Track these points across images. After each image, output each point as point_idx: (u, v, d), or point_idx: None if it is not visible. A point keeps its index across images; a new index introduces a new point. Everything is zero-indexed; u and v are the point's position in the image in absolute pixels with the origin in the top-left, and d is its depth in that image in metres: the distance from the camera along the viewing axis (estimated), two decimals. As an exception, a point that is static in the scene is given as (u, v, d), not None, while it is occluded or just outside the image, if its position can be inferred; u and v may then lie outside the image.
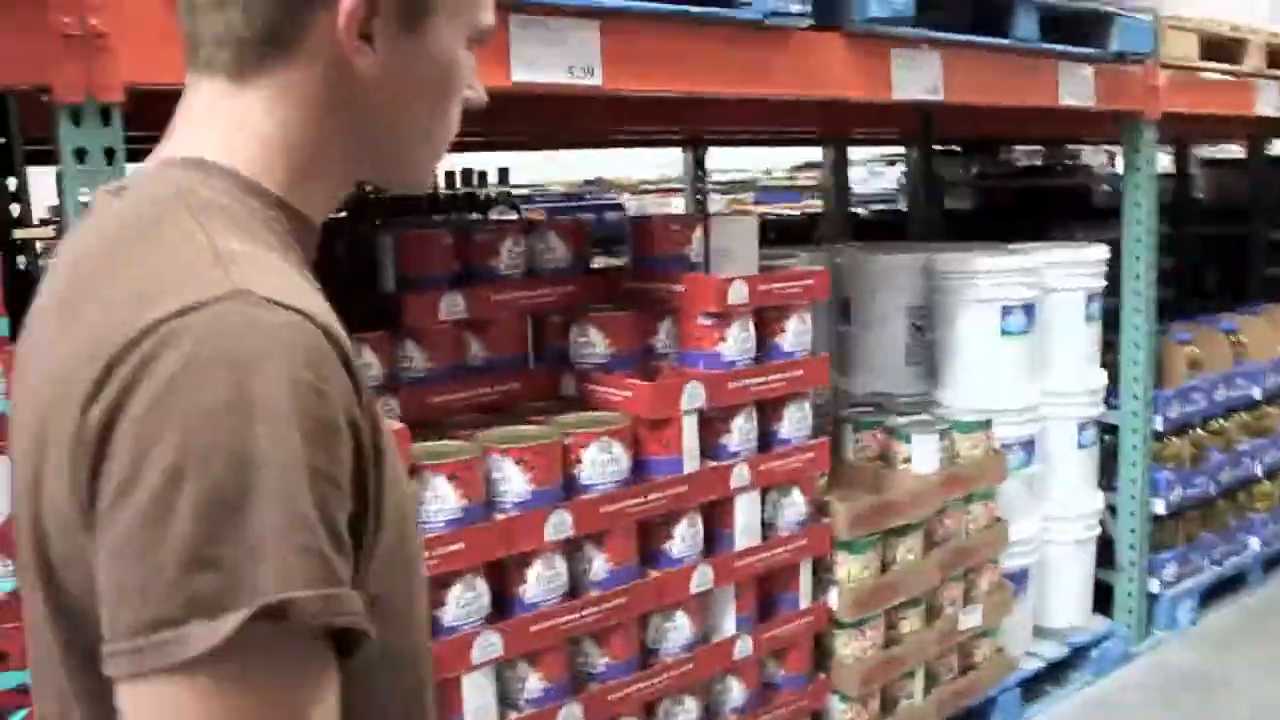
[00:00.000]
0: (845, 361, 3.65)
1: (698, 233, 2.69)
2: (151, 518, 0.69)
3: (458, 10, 0.92)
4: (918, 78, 2.82)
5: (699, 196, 5.06)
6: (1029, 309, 3.38)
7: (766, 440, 2.69)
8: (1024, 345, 3.39)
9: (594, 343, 2.61)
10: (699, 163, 5.03)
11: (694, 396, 2.50)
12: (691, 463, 2.52)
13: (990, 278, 3.34)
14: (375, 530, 0.80)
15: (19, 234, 3.25)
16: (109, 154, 1.63)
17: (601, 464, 2.38)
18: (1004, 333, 3.36)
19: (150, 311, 0.73)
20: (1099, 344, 3.68)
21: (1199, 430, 4.03)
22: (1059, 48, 3.14)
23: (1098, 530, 3.71)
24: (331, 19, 0.85)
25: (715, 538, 2.63)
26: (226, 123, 0.87)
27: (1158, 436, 3.87)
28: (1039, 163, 6.67)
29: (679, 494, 2.48)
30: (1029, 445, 3.42)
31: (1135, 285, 3.70)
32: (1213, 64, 3.80)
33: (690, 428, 2.51)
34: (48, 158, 1.85)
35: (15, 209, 3.25)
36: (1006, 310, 3.35)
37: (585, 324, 2.62)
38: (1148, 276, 3.69)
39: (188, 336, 0.72)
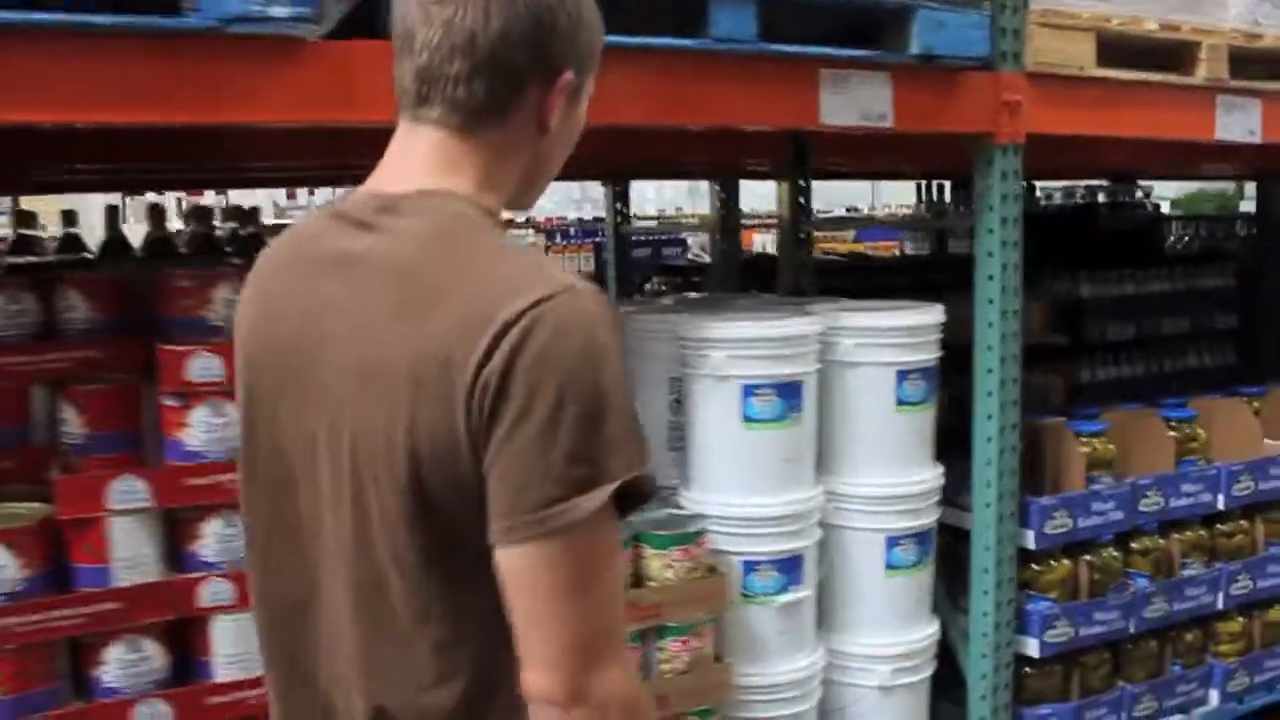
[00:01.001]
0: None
1: (223, 291, 2.20)
2: (544, 433, 1.06)
3: (589, 90, 1.32)
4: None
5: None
6: (788, 389, 2.63)
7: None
8: (781, 436, 2.65)
9: (68, 420, 2.17)
10: (620, 198, 4.43)
11: (128, 493, 2.02)
12: (130, 573, 2.04)
13: (727, 349, 2.63)
14: None
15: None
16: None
17: (-15, 571, 1.96)
18: (747, 419, 2.64)
19: (519, 302, 1.08)
20: (928, 434, 2.85)
21: (1109, 551, 3.07)
22: (791, 49, 2.40)
23: (925, 672, 2.88)
24: (536, 99, 1.23)
25: (190, 666, 2.14)
26: (458, 166, 1.22)
27: (1030, 556, 2.98)
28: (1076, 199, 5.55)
29: (103, 611, 2.01)
30: (790, 564, 2.67)
31: (988, 357, 2.84)
32: (1129, 73, 2.87)
33: (126, 530, 2.04)
34: None
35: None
36: (749, 390, 2.62)
37: (60, 398, 2.19)
38: (1005, 346, 2.83)
39: (551, 316, 1.08)
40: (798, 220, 3.53)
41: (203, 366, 2.06)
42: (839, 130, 2.56)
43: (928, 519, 2.84)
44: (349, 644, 1.22)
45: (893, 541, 2.79)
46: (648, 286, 4.46)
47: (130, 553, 2.05)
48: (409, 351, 1.11)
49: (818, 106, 2.50)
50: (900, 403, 2.77)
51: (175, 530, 2.11)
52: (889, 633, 2.83)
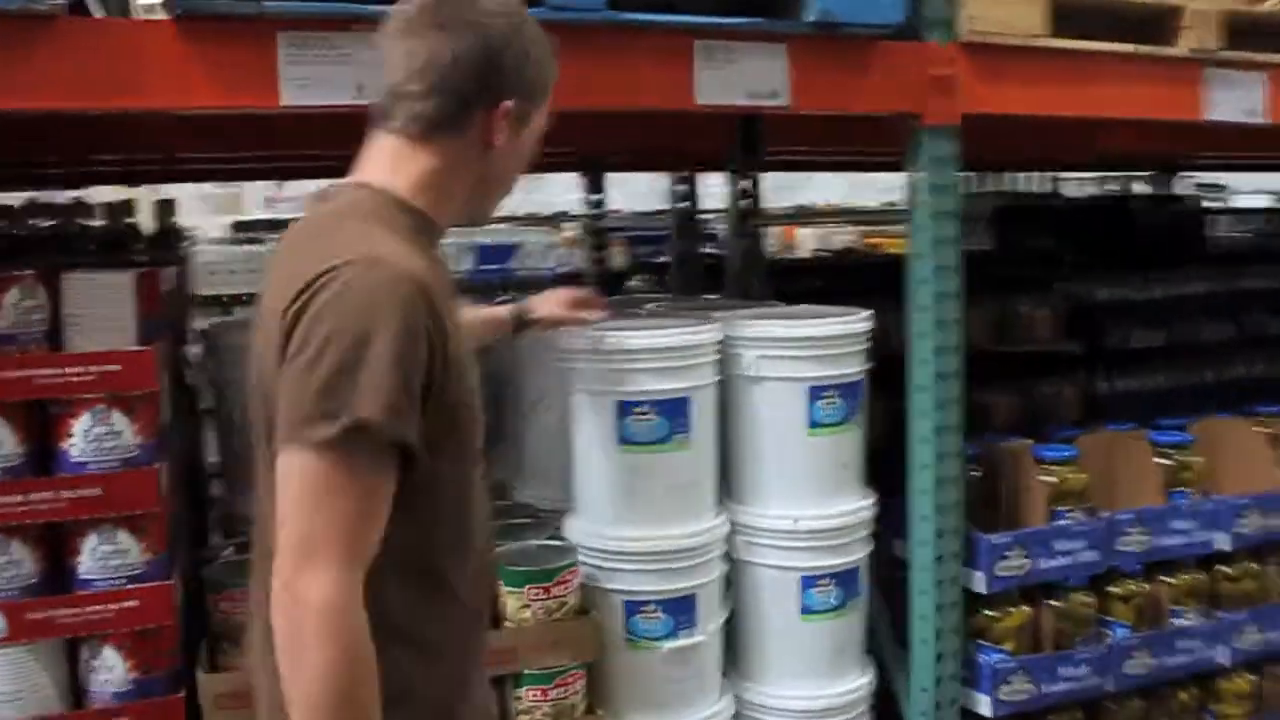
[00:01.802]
0: (522, 461, 2.76)
1: (13, 296, 2.00)
2: (308, 367, 1.29)
3: (540, 119, 1.57)
4: (327, 74, 1.96)
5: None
6: (670, 407, 2.33)
7: (52, 579, 1.97)
8: (665, 460, 2.34)
9: None
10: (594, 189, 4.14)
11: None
12: None
13: (602, 361, 2.34)
14: (439, 407, 1.36)
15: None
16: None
17: None
18: (624, 440, 2.34)
19: (325, 265, 1.33)
20: (851, 459, 2.50)
21: (1079, 596, 2.67)
22: (646, 18, 2.10)
23: (855, 727, 2.53)
24: (488, 118, 1.48)
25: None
26: (402, 167, 1.48)
27: (982, 601, 2.59)
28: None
29: None
30: (679, 605, 2.36)
31: (922, 372, 2.48)
32: (1089, 44, 2.48)
33: None
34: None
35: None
36: (625, 408, 2.33)
37: None
38: (942, 361, 2.46)
39: (342, 277, 1.31)
40: (745, 214, 3.20)
41: (-48, 380, 1.87)
42: (717, 110, 2.25)
43: (851, 556, 2.49)
44: None
45: (808, 581, 2.45)
46: (627, 284, 4.18)
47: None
48: (269, 299, 1.41)
49: (691, 84, 2.20)
50: (814, 424, 2.43)
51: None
52: (805, 684, 2.48)
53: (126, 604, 1.95)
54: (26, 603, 1.92)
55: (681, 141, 3.44)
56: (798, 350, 2.41)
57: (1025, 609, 2.62)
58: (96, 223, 4.15)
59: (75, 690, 2.00)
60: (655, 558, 2.34)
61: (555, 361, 2.45)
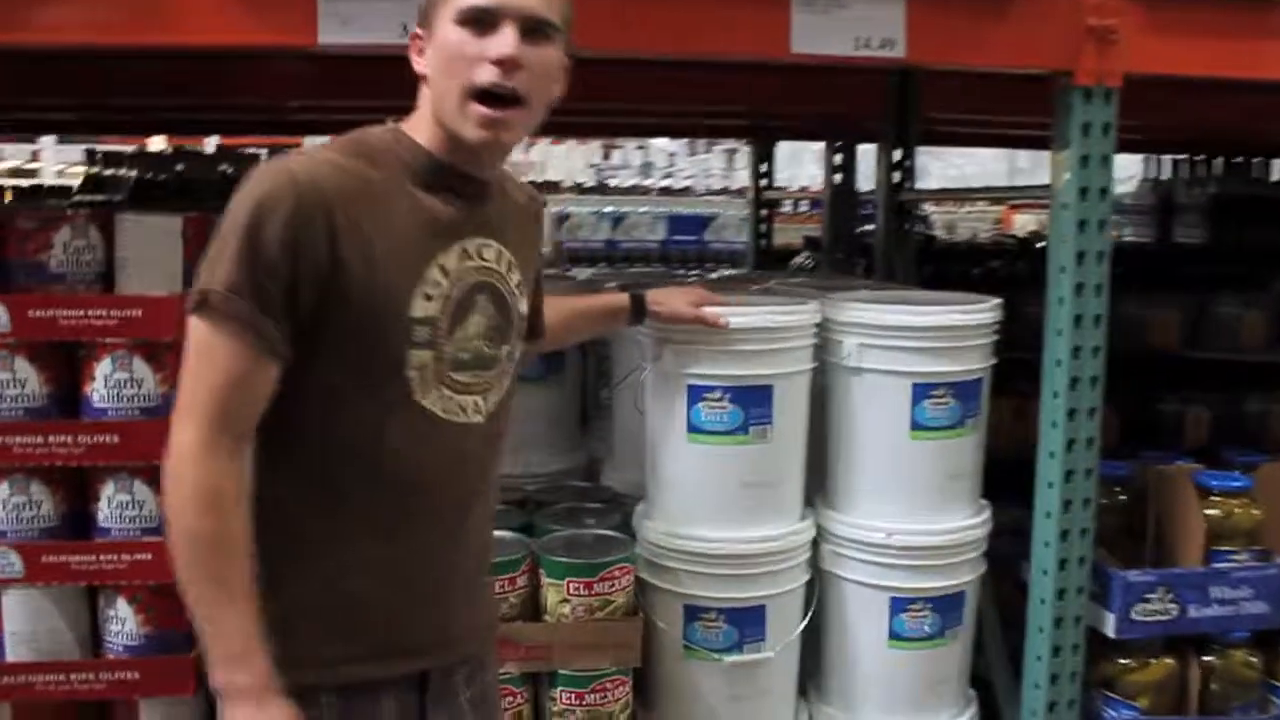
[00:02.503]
0: (612, 441, 2.57)
1: (64, 235, 1.97)
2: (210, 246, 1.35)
3: (445, 4, 1.39)
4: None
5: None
6: (747, 396, 2.07)
7: (73, 523, 1.94)
8: (738, 453, 2.09)
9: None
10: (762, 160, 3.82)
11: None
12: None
13: (677, 340, 2.10)
14: (324, 306, 1.33)
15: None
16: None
17: None
18: (693, 429, 2.10)
19: None
20: (963, 469, 2.17)
21: (1241, 654, 2.23)
22: None
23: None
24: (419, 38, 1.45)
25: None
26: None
27: (1115, 647, 2.21)
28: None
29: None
30: (745, 616, 2.12)
31: (1055, 376, 2.11)
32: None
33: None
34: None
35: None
36: (696, 393, 2.09)
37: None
38: (1080, 365, 2.09)
39: (248, 177, 1.35)
40: (895, 189, 2.85)
41: (-17, 316, 1.85)
42: (816, 61, 1.96)
43: (954, 579, 2.17)
44: None
45: (899, 604, 2.15)
46: (793, 261, 3.89)
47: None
48: None
49: (788, 29, 1.93)
50: (918, 426, 2.12)
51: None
52: (890, 717, 2.19)
53: (139, 556, 1.89)
54: (42, 545, 1.89)
55: (836, 108, 3.13)
56: (903, 340, 2.10)
57: (1168, 661, 2.22)
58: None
59: (95, 640, 1.97)
60: (721, 561, 2.10)
61: (636, 336, 2.23)
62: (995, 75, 2.14)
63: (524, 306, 1.55)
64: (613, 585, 2.06)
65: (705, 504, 2.12)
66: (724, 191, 6.76)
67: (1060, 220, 2.09)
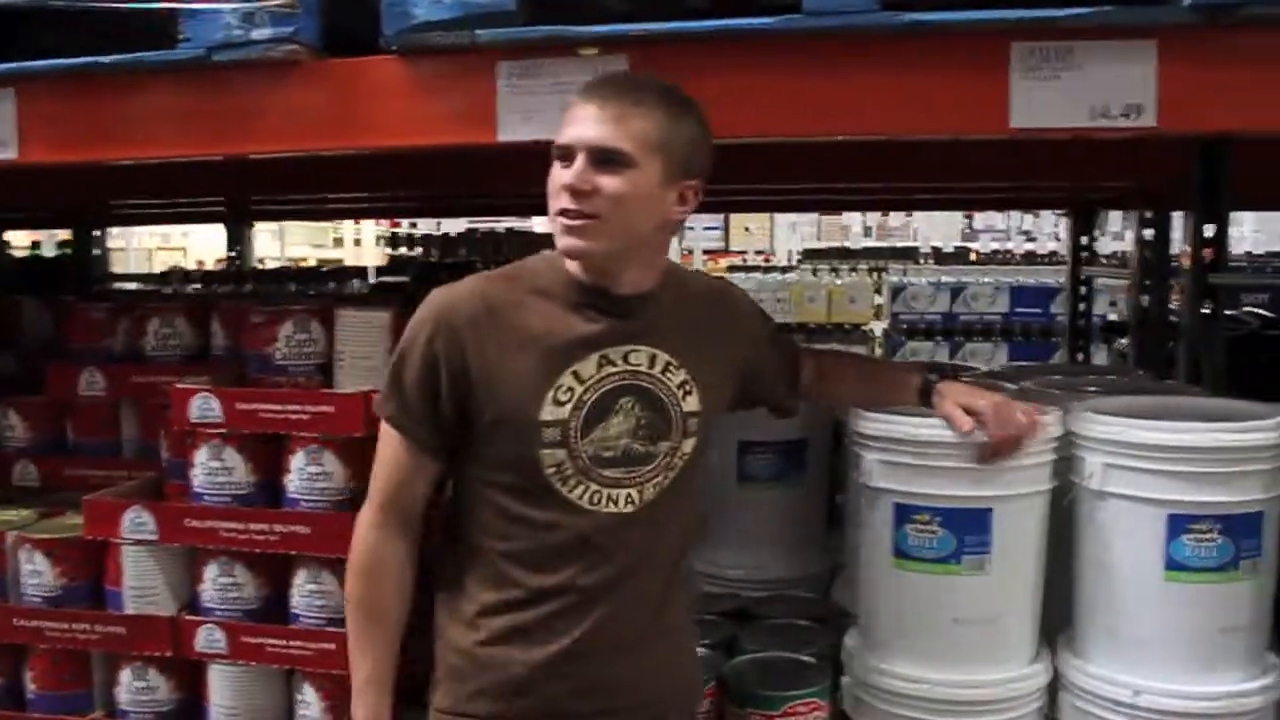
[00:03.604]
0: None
1: (287, 329, 2.10)
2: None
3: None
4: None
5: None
6: (959, 519, 1.81)
7: (272, 607, 2.02)
8: (946, 583, 1.83)
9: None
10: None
11: (138, 525, 2.03)
12: (137, 603, 2.05)
13: (881, 452, 1.87)
14: (465, 419, 1.55)
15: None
16: None
17: (28, 574, 2.11)
18: (899, 553, 1.86)
19: None
20: (1238, 621, 1.77)
21: None
22: (936, 18, 1.61)
23: None
24: None
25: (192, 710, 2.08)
26: None
27: None
28: None
29: (110, 634, 2.05)
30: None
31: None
32: None
33: (135, 561, 2.04)
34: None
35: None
36: (903, 514, 1.85)
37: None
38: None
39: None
40: (1204, 268, 2.40)
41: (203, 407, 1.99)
42: (1041, 135, 1.70)
43: (1236, 743, 1.77)
44: None
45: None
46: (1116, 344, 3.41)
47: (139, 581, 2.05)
48: None
49: (1006, 101, 1.68)
50: (1175, 565, 1.76)
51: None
52: None
53: (325, 645, 1.94)
54: (241, 625, 1.99)
55: (1145, 173, 2.75)
56: (1155, 462, 1.76)
57: None
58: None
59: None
60: (929, 705, 1.85)
61: (851, 442, 2.03)
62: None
63: (694, 403, 1.62)
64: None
65: (915, 638, 1.87)
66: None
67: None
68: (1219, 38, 1.60)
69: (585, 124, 1.49)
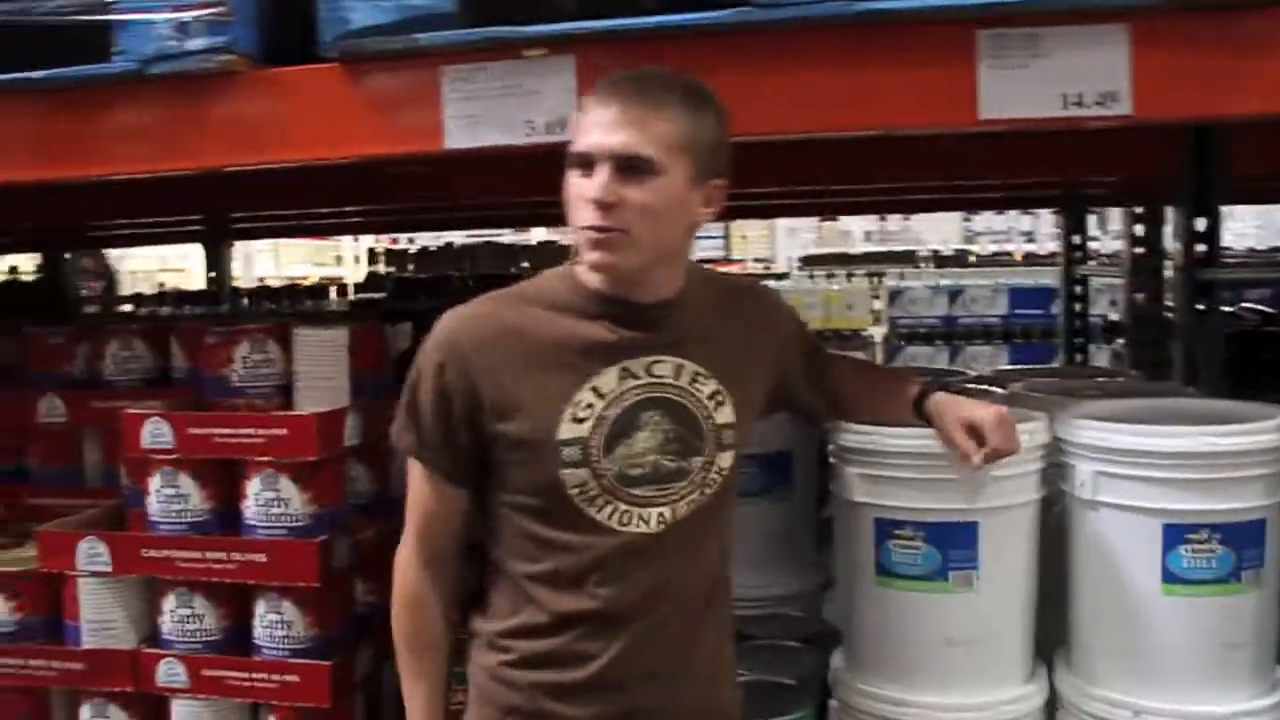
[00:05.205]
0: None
1: (242, 350, 2.02)
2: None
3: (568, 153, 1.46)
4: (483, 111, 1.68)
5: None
6: (941, 534, 1.72)
7: (234, 639, 1.94)
8: (932, 602, 1.74)
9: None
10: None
11: (92, 556, 1.95)
12: (95, 637, 1.97)
13: (860, 463, 1.79)
14: (479, 439, 1.49)
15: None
16: None
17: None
18: (881, 570, 1.77)
19: None
20: (1241, 636, 1.68)
21: None
22: (919, 4, 1.53)
23: None
24: None
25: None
26: None
27: None
28: None
29: (68, 670, 1.97)
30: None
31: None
32: None
33: (91, 593, 1.97)
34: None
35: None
36: (884, 529, 1.76)
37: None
38: None
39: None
40: (1195, 264, 2.31)
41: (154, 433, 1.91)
42: (1011, 125, 1.61)
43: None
44: None
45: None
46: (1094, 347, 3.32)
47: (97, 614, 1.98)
48: None
49: (973, 90, 1.59)
50: (1172, 578, 1.67)
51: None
52: None
53: (287, 677, 1.87)
54: (201, 658, 1.92)
55: (1137, 167, 2.66)
56: (1148, 469, 1.67)
57: None
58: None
59: (256, 755, 1.96)
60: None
61: (831, 455, 1.95)
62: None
63: (727, 414, 1.54)
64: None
65: (901, 660, 1.79)
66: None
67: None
68: (1193, 20, 1.51)
69: (605, 129, 1.39)
